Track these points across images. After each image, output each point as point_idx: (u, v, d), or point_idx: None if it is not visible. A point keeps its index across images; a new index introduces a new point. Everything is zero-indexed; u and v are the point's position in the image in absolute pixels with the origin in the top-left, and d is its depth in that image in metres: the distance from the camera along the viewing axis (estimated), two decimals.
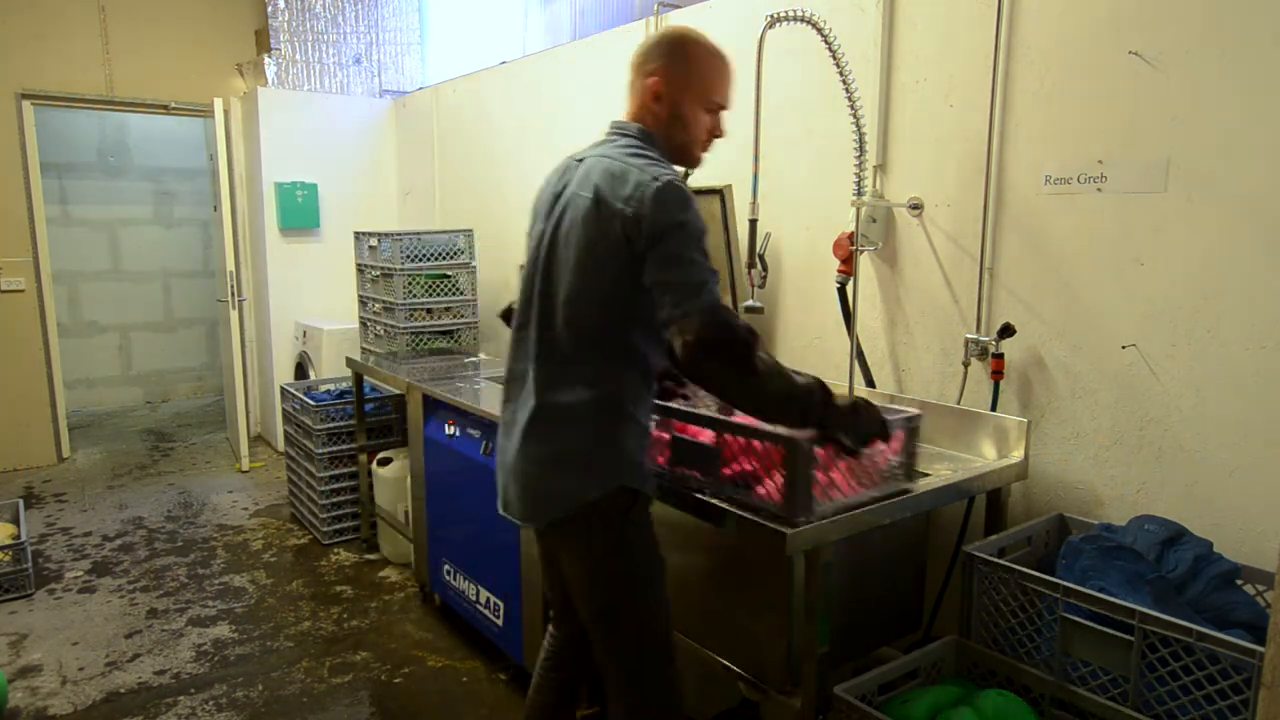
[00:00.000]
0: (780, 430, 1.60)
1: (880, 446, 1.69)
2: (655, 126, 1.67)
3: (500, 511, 1.78)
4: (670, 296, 1.49)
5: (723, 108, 1.71)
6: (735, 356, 1.47)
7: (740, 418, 1.69)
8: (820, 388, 1.54)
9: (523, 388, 1.70)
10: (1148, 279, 1.87)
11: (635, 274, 1.55)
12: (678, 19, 3.14)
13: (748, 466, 1.71)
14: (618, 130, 1.70)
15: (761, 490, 1.68)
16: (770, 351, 2.17)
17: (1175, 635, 1.45)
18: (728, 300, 2.32)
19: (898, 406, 2.04)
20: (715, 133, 1.72)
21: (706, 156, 1.75)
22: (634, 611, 1.68)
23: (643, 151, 1.62)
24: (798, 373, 1.54)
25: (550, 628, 2.01)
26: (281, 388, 4.24)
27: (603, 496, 1.60)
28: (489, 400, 2.81)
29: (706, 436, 1.80)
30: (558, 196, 1.70)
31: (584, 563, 1.67)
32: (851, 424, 1.57)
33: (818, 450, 1.61)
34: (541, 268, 1.68)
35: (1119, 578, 1.62)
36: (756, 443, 1.68)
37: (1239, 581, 1.65)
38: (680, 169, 1.67)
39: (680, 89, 1.65)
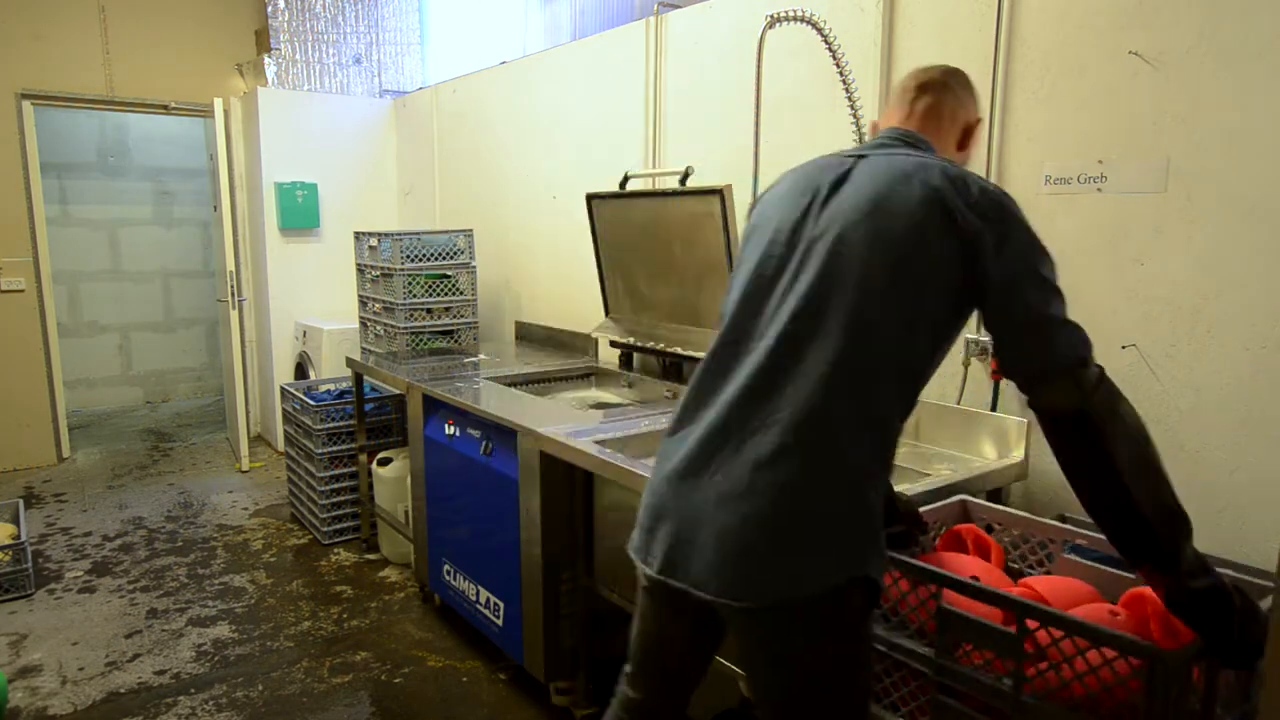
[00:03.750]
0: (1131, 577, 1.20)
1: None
2: (945, 152, 1.45)
3: (654, 573, 1.30)
4: (1031, 337, 1.18)
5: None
6: (1124, 438, 1.15)
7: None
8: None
9: (732, 417, 1.27)
10: (1148, 279, 1.87)
11: (960, 298, 1.24)
12: (677, 19, 3.14)
13: (1066, 674, 1.15)
14: (904, 137, 1.41)
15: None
16: None
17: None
18: None
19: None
20: None
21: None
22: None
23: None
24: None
25: (625, 685, 1.52)
26: (281, 388, 4.24)
27: (847, 583, 1.19)
28: (489, 400, 2.81)
29: (995, 616, 1.23)
30: (827, 198, 1.34)
31: (796, 662, 1.24)
32: (1234, 610, 1.09)
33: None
34: (793, 274, 1.30)
35: None
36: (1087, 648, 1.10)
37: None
38: None
39: (976, 130, 1.52)
